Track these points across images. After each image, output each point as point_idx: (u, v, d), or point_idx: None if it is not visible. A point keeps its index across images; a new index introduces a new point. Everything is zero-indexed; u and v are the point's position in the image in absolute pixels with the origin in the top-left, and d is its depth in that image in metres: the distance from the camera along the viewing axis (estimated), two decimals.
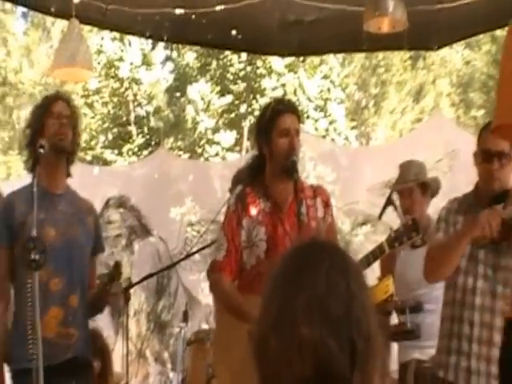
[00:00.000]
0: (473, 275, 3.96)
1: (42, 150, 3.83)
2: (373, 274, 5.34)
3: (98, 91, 19.53)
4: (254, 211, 4.06)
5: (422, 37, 6.92)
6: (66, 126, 4.01)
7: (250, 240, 4.02)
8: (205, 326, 7.03)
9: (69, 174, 4.11)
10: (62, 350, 3.87)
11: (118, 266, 4.06)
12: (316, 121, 17.99)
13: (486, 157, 3.94)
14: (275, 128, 4.03)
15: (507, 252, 3.95)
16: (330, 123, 18.30)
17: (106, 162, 18.11)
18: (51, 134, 3.95)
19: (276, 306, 1.68)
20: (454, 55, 19.42)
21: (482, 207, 3.91)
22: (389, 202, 4.97)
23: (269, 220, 4.03)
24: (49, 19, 20.78)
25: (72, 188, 4.16)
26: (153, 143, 18.60)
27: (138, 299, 7.90)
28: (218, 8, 6.44)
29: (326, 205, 4.13)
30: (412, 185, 5.01)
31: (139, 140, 19.08)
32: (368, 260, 3.87)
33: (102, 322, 7.56)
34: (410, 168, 5.09)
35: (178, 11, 6.50)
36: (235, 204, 4.07)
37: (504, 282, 3.97)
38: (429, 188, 5.05)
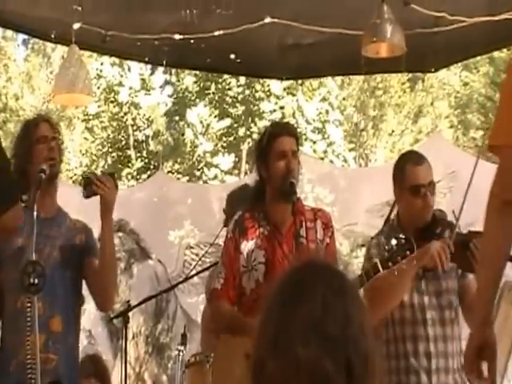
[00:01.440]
0: (420, 307, 3.96)
1: (43, 175, 3.84)
2: None
3: (97, 115, 19.65)
4: (252, 235, 4.07)
5: (419, 59, 6.96)
6: (54, 149, 4.01)
7: (248, 264, 4.03)
8: None
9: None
10: (41, 375, 3.76)
11: (112, 173, 4.11)
12: (314, 143, 18.08)
13: (417, 191, 3.97)
14: (272, 151, 4.05)
15: (444, 275, 3.98)
16: (329, 145, 18.39)
17: None
18: (41, 161, 3.92)
19: (273, 327, 1.68)
20: (452, 77, 19.53)
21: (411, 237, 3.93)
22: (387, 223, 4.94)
23: (267, 243, 4.04)
24: (49, 45, 20.94)
25: (63, 210, 4.14)
26: (152, 167, 18.68)
27: (137, 322, 7.90)
28: (216, 33, 6.47)
29: (326, 227, 4.13)
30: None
31: (138, 164, 19.15)
32: (362, 280, 3.83)
33: (101, 346, 7.56)
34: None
35: (177, 36, 6.53)
36: (232, 231, 4.10)
37: (449, 305, 4.01)
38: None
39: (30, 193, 3.88)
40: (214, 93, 18.65)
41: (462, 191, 4.13)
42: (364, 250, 7.79)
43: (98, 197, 3.93)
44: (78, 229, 4.12)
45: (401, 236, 3.86)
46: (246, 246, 4.04)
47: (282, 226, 4.06)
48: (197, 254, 7.81)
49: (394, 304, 3.95)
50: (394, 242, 3.84)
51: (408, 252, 3.81)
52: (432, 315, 3.95)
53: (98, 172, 18.98)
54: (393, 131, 19.33)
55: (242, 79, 17.95)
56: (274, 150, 4.04)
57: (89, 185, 3.94)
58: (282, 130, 4.15)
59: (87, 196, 3.97)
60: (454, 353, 3.96)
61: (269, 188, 4.10)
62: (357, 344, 1.65)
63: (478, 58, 16.96)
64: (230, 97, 18.53)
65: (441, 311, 3.97)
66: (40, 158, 3.92)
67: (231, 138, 18.57)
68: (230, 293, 4.03)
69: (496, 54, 17.01)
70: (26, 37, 20.23)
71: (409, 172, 4.04)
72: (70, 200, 7.11)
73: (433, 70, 7.68)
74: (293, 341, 1.64)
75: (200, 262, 6.74)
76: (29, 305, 3.64)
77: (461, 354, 3.95)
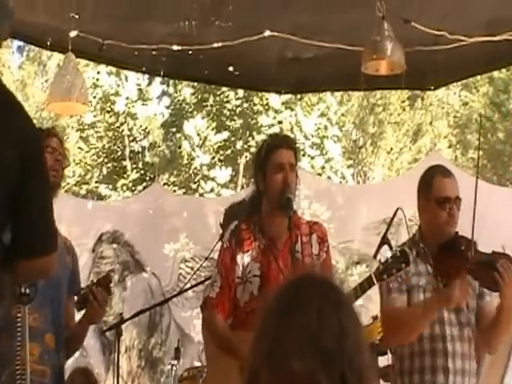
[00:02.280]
0: (439, 323, 3.97)
1: None
2: (367, 312, 5.34)
3: (93, 125, 19.60)
4: (248, 247, 4.08)
5: (419, 77, 7.01)
6: (60, 162, 4.04)
7: (243, 276, 4.04)
8: (197, 364, 7.01)
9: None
10: None
11: (107, 276, 4.09)
12: (312, 158, 18.04)
13: (443, 203, 4.01)
14: (270, 163, 4.07)
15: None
16: (327, 161, 18.36)
17: (100, 197, 18.12)
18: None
19: (268, 339, 1.70)
20: (452, 96, 19.60)
21: (432, 252, 3.99)
22: (384, 241, 4.97)
23: (263, 256, 4.06)
24: (45, 53, 20.93)
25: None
26: (147, 178, 18.63)
27: (130, 335, 7.86)
28: (215, 45, 6.50)
29: (322, 241, 4.15)
30: None
31: (134, 175, 19.10)
32: (356, 293, 3.85)
33: (93, 358, 7.54)
34: None
35: (176, 47, 6.56)
36: (229, 240, 4.11)
37: (468, 323, 4.03)
38: None
39: None
40: (211, 105, 18.61)
41: (462, 212, 4.15)
42: (359, 267, 7.85)
43: (91, 206, 3.93)
44: (67, 248, 4.15)
45: (396, 249, 3.90)
46: (242, 257, 4.05)
47: (278, 240, 4.08)
48: (192, 268, 7.78)
49: (411, 337, 3.95)
50: (389, 254, 3.87)
51: (403, 265, 3.84)
52: (451, 331, 3.97)
53: (92, 182, 19.00)
54: (391, 149, 19.35)
55: (241, 92, 17.92)
56: (272, 162, 4.06)
57: (84, 301, 4.02)
58: (280, 143, 4.16)
59: (79, 309, 4.07)
60: (471, 371, 3.98)
61: (265, 200, 4.11)
62: (352, 359, 1.67)
63: (478, 77, 17.08)
64: (228, 110, 18.49)
65: (460, 328, 3.99)
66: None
67: (228, 152, 18.53)
68: (225, 304, 4.03)
69: (496, 74, 17.11)
70: (21, 44, 20.23)
71: (436, 183, 4.08)
72: (64, 210, 7.15)
73: (432, 87, 7.73)
74: (288, 353, 1.65)
75: (195, 276, 6.73)
76: (19, 315, 3.66)
77: (476, 372, 4.01)
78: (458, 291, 3.81)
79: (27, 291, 3.51)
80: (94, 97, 18.83)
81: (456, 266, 3.89)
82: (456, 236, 4.02)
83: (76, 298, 4.03)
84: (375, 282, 3.87)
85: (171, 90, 19.54)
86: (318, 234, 4.16)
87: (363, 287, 3.87)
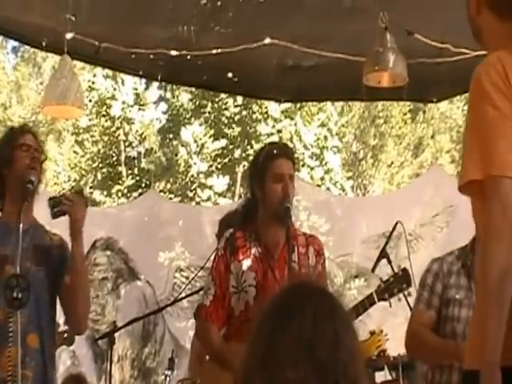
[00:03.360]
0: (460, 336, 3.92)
1: (31, 186, 3.81)
2: (365, 327, 5.37)
3: (88, 129, 19.56)
4: (243, 256, 4.07)
5: (421, 89, 7.03)
6: (36, 158, 3.96)
7: (238, 285, 4.03)
8: None
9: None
10: None
11: (80, 188, 4.05)
12: (312, 169, 18.01)
13: None
14: (268, 173, 4.05)
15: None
16: (326, 172, 18.34)
17: (94, 203, 18.07)
18: (22, 167, 3.88)
19: (262, 347, 1.71)
20: (455, 110, 19.60)
21: None
22: (382, 255, 4.98)
23: (259, 266, 4.04)
24: (40, 55, 20.94)
25: (39, 222, 4.08)
26: (143, 185, 18.59)
27: (123, 345, 7.84)
28: (214, 51, 6.51)
29: (318, 254, 4.15)
30: None
31: (129, 181, 19.06)
32: (357, 311, 3.85)
33: (85, 367, 7.53)
34: None
35: (174, 53, 6.58)
36: (224, 248, 4.08)
37: None
38: None
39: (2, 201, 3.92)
40: (209, 112, 18.59)
41: (459, 226, 4.15)
42: (358, 281, 7.86)
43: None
44: (53, 242, 4.05)
45: (399, 268, 3.89)
46: (237, 266, 4.03)
47: (275, 249, 4.07)
48: (187, 278, 7.76)
49: (431, 363, 3.95)
50: (390, 273, 3.88)
51: (405, 285, 3.84)
52: None
53: (87, 188, 18.98)
54: (392, 163, 19.34)
55: (239, 99, 17.91)
56: (271, 171, 4.05)
57: (56, 205, 3.88)
58: (280, 152, 4.15)
59: (55, 216, 3.91)
60: None
61: (262, 209, 4.10)
62: (346, 368, 1.67)
63: None
64: (227, 117, 18.48)
65: None
66: (21, 165, 3.89)
67: (226, 160, 18.51)
68: (219, 313, 4.03)
69: None
70: (16, 44, 20.30)
71: None
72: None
73: (435, 100, 7.75)
74: (281, 362, 1.66)
75: (190, 286, 6.71)
76: (11, 320, 3.62)
77: None
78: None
79: (19, 296, 3.51)
80: (90, 100, 18.80)
81: None
82: None
83: (49, 204, 3.91)
84: (376, 300, 3.87)
85: (169, 95, 19.53)
86: (314, 247, 4.16)
87: (364, 305, 3.87)
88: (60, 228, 4.10)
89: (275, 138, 17.53)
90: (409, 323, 4.02)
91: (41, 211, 4.05)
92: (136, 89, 19.44)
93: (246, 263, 4.05)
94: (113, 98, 19.18)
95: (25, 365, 3.80)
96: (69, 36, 6.14)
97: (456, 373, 3.91)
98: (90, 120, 19.38)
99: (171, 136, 19.27)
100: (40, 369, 3.89)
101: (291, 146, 16.77)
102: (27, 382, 3.80)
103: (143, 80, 18.10)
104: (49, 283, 3.96)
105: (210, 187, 18.11)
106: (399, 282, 3.86)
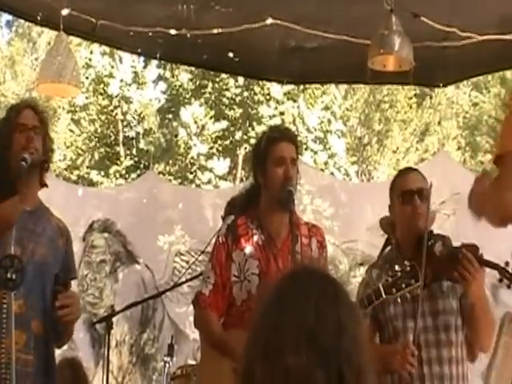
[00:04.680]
0: (413, 331, 3.97)
1: (24, 164, 3.80)
2: None
3: (85, 108, 19.51)
4: (245, 244, 4.07)
5: (428, 73, 7.03)
6: (33, 138, 3.94)
7: (241, 274, 4.03)
8: (191, 362, 6.99)
9: (44, 185, 4.07)
10: (20, 378, 3.73)
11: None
12: (315, 153, 18.00)
13: (406, 197, 4.05)
14: (270, 157, 4.06)
15: (442, 294, 4.03)
16: (330, 157, 18.31)
17: (91, 183, 18.05)
18: (19, 149, 3.87)
19: (263, 334, 1.72)
20: (462, 96, 19.58)
21: (406, 256, 3.98)
22: (388, 242, 5.00)
23: (261, 254, 4.05)
24: (35, 30, 20.84)
25: (45, 205, 4.09)
26: (142, 166, 18.57)
27: (121, 330, 7.80)
28: (215, 31, 6.52)
29: (321, 246, 4.17)
30: None
31: (127, 162, 19.04)
32: (363, 304, 3.83)
33: (82, 352, 7.54)
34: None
35: (173, 32, 6.57)
36: (225, 236, 4.08)
37: (445, 327, 4.03)
38: None
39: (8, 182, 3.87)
40: (210, 92, 18.54)
41: (466, 214, 4.18)
42: (363, 269, 7.89)
43: (82, 193, 3.90)
44: (61, 230, 4.06)
45: (406, 263, 3.92)
46: (239, 255, 4.03)
47: (278, 237, 4.07)
48: (187, 262, 7.70)
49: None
50: (397, 268, 3.90)
51: (413, 281, 3.85)
52: (426, 337, 3.98)
53: (84, 168, 18.97)
54: (397, 148, 19.34)
55: (241, 80, 17.87)
56: (272, 155, 4.05)
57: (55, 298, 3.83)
58: (282, 136, 4.15)
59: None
60: (453, 376, 4.00)
61: (264, 195, 4.10)
62: (350, 356, 1.67)
63: (489, 77, 17.06)
64: (228, 98, 18.45)
65: (436, 333, 4.00)
66: (18, 147, 3.88)
67: (227, 142, 18.50)
68: (218, 303, 4.03)
69: (508, 74, 17.10)
70: (10, 18, 20.19)
71: (399, 180, 4.16)
72: (54, 195, 7.15)
73: (441, 85, 7.75)
74: (283, 349, 1.66)
75: (190, 270, 6.72)
76: (5, 301, 3.61)
77: (462, 377, 4.04)
78: (399, 358, 3.83)
79: (13, 277, 3.52)
80: (87, 77, 18.76)
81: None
82: (425, 233, 4.01)
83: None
84: (383, 295, 3.84)
85: (168, 74, 19.45)
86: (317, 238, 4.18)
87: (370, 299, 3.84)
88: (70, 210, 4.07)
89: (277, 121, 17.50)
90: None
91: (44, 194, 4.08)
92: (134, 67, 19.38)
93: (249, 251, 4.05)
94: (110, 75, 19.13)
95: (29, 350, 3.82)
96: (65, 12, 6.11)
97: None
98: (86, 98, 19.31)
99: (170, 116, 19.22)
100: (44, 356, 3.91)
101: (294, 129, 16.76)
102: (29, 367, 3.82)
103: (142, 58, 18.09)
104: (53, 269, 3.93)
105: (211, 170, 18.11)
106: (407, 277, 3.83)
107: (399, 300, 3.94)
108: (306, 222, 4.32)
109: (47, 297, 3.88)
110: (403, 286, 3.84)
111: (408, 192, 4.08)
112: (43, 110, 4.21)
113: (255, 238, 4.09)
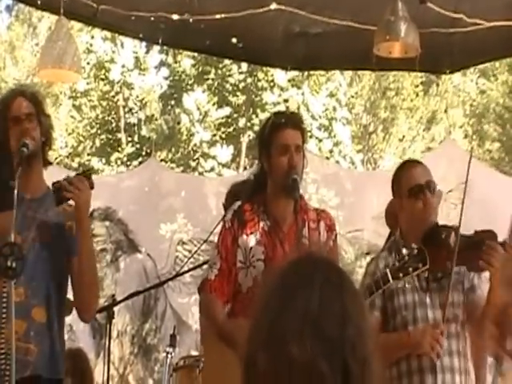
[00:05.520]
0: (424, 322, 4.00)
1: (25, 150, 3.81)
2: None
3: (86, 93, 19.45)
4: (251, 229, 4.09)
5: (434, 60, 7.01)
6: (28, 129, 3.94)
7: (246, 260, 4.05)
8: (194, 353, 7.00)
9: (49, 163, 4.12)
10: (20, 366, 3.72)
11: (88, 170, 4.10)
12: (320, 141, 17.95)
13: (416, 192, 4.08)
14: (274, 144, 4.08)
15: (451, 287, 4.02)
16: (335, 145, 18.27)
17: (92, 170, 17.95)
18: (15, 143, 3.86)
19: (266, 323, 1.70)
20: (469, 84, 19.52)
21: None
22: (392, 233, 4.98)
23: (268, 240, 4.07)
24: (35, 14, 20.80)
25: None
26: (143, 153, 18.51)
27: (122, 320, 7.81)
28: (218, 16, 6.50)
29: (330, 229, 4.18)
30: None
31: (129, 149, 18.98)
32: (370, 290, 3.84)
33: (82, 342, 7.54)
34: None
35: (175, 17, 6.55)
36: (231, 221, 4.11)
37: (454, 319, 4.05)
38: None
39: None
40: (213, 79, 18.46)
41: (474, 203, 4.19)
42: (369, 258, 7.91)
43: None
44: (68, 214, 4.02)
45: (413, 246, 3.92)
46: (245, 240, 4.05)
47: (283, 222, 4.09)
48: (190, 251, 7.70)
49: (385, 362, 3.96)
50: (405, 252, 3.89)
51: (420, 264, 3.86)
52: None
53: (84, 155, 18.97)
54: (403, 136, 19.30)
55: (244, 66, 17.81)
56: (277, 143, 4.07)
57: (59, 190, 3.86)
58: (286, 121, 4.15)
59: (58, 202, 3.89)
60: (461, 368, 4.02)
61: (270, 182, 4.12)
62: (354, 346, 1.65)
63: (497, 64, 17.02)
64: (231, 84, 18.38)
65: (446, 325, 3.99)
66: (14, 142, 3.87)
67: (230, 129, 18.44)
68: (224, 288, 4.05)
69: None
70: (9, 2, 20.17)
71: (406, 175, 4.18)
72: None
73: (447, 71, 7.75)
74: (286, 338, 1.64)
75: (192, 260, 6.71)
76: (5, 289, 3.61)
77: (467, 371, 4.05)
78: (429, 338, 3.85)
79: (13, 265, 3.51)
80: (88, 63, 18.68)
81: (440, 257, 3.93)
82: (435, 226, 4.06)
83: (52, 189, 3.90)
84: (391, 280, 3.84)
85: (170, 60, 19.37)
86: (326, 221, 4.18)
87: (378, 284, 3.85)
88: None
89: (281, 108, 17.42)
90: None
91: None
92: (136, 52, 19.30)
93: (255, 237, 4.07)
94: (112, 61, 19.06)
95: (28, 339, 3.84)
96: None
97: (415, 358, 4.00)
98: (87, 84, 19.25)
99: (173, 103, 19.13)
100: (46, 344, 3.91)
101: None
102: (31, 356, 3.84)
103: (143, 43, 17.99)
104: (57, 255, 3.97)
105: (214, 157, 18.05)
106: (415, 260, 3.84)
107: (410, 289, 3.96)
108: (315, 208, 4.34)
109: (50, 284, 3.91)
110: (410, 269, 3.85)
111: (417, 186, 4.10)
112: (33, 92, 4.19)
113: (261, 224, 4.10)
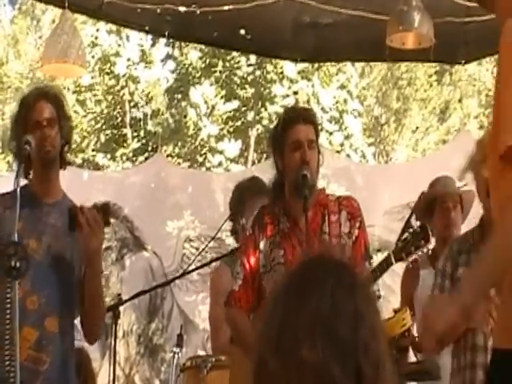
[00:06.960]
0: None
1: (27, 147, 3.81)
2: (389, 305, 5.38)
3: (90, 88, 19.47)
4: (271, 232, 4.11)
5: (448, 50, 7.00)
6: (48, 136, 3.94)
7: (267, 264, 4.08)
8: (201, 353, 7.01)
9: (68, 164, 4.12)
10: (30, 376, 3.76)
11: (106, 203, 4.00)
12: (330, 134, 17.89)
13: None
14: (286, 141, 4.06)
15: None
16: (346, 138, 18.22)
17: (97, 167, 18.00)
18: (35, 147, 3.86)
19: (277, 325, 1.68)
20: (484, 72, 19.43)
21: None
22: (407, 226, 4.97)
23: (287, 241, 4.08)
24: (39, 7, 20.84)
25: (68, 197, 4.10)
26: (149, 149, 18.51)
27: (128, 319, 7.83)
28: (226, 7, 6.49)
29: (352, 217, 4.13)
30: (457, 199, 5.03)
31: (134, 144, 18.98)
32: (375, 274, 3.87)
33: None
34: (452, 183, 5.13)
35: (182, 9, 6.55)
36: (252, 227, 4.16)
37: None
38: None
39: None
40: (220, 71, 18.45)
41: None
42: (381, 255, 7.88)
43: (87, 176, 3.90)
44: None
45: (416, 223, 3.89)
46: (265, 243, 4.08)
47: (302, 222, 4.06)
48: (197, 248, 7.76)
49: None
50: (409, 230, 3.89)
51: (422, 242, 3.85)
52: None
53: (89, 151, 18.99)
54: (417, 128, 19.24)
55: (253, 58, 17.77)
56: (288, 139, 4.05)
57: (73, 217, 3.84)
58: (297, 117, 4.13)
59: (70, 228, 3.87)
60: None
61: (286, 181, 4.12)
62: (367, 348, 1.64)
63: None
64: (239, 77, 18.37)
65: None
66: (36, 145, 3.87)
67: (238, 123, 18.40)
68: (249, 296, 4.08)
69: None
70: None
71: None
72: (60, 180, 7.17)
73: (462, 62, 7.72)
74: (297, 341, 1.63)
75: (200, 257, 6.72)
76: (8, 291, 3.61)
77: None
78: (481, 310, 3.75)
79: (17, 265, 3.51)
80: (93, 56, 18.69)
81: None
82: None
83: (67, 214, 3.88)
84: (393, 261, 3.87)
85: (176, 52, 19.37)
86: (348, 210, 4.14)
87: (382, 268, 3.88)
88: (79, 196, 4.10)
89: (291, 100, 17.44)
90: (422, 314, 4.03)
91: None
92: (142, 45, 19.32)
93: (274, 240, 4.08)
94: (117, 54, 19.07)
95: (41, 348, 3.83)
96: None
97: (481, 353, 3.94)
98: (92, 78, 19.28)
99: (179, 96, 19.11)
100: (58, 355, 3.91)
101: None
102: (42, 367, 3.83)
103: (149, 36, 17.98)
104: (73, 265, 3.98)
105: (221, 152, 17.99)
106: (417, 238, 3.86)
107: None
108: (338, 196, 4.30)
109: (64, 292, 3.91)
110: (412, 249, 3.89)
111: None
112: (56, 94, 4.16)
113: (281, 225, 4.11)
